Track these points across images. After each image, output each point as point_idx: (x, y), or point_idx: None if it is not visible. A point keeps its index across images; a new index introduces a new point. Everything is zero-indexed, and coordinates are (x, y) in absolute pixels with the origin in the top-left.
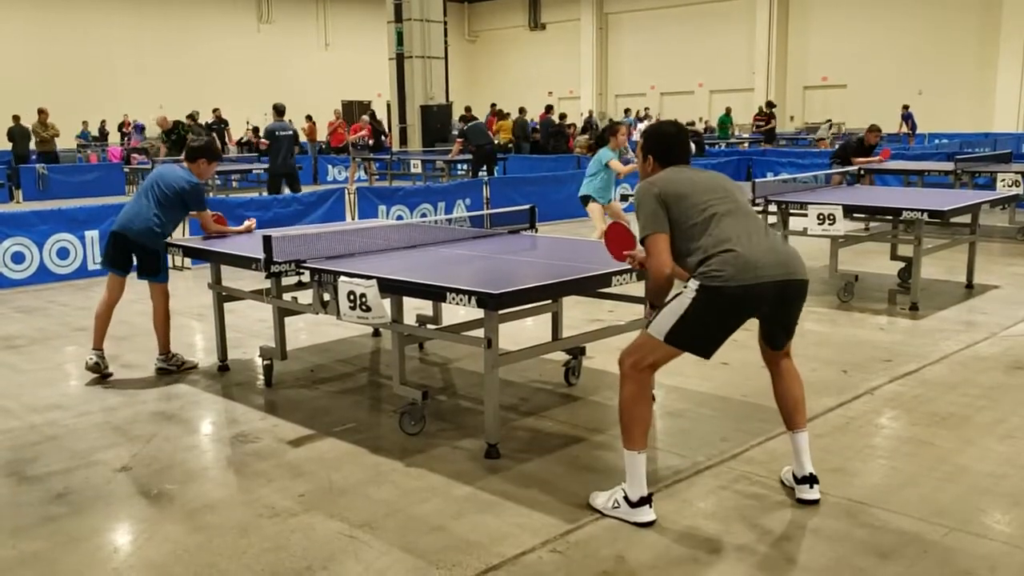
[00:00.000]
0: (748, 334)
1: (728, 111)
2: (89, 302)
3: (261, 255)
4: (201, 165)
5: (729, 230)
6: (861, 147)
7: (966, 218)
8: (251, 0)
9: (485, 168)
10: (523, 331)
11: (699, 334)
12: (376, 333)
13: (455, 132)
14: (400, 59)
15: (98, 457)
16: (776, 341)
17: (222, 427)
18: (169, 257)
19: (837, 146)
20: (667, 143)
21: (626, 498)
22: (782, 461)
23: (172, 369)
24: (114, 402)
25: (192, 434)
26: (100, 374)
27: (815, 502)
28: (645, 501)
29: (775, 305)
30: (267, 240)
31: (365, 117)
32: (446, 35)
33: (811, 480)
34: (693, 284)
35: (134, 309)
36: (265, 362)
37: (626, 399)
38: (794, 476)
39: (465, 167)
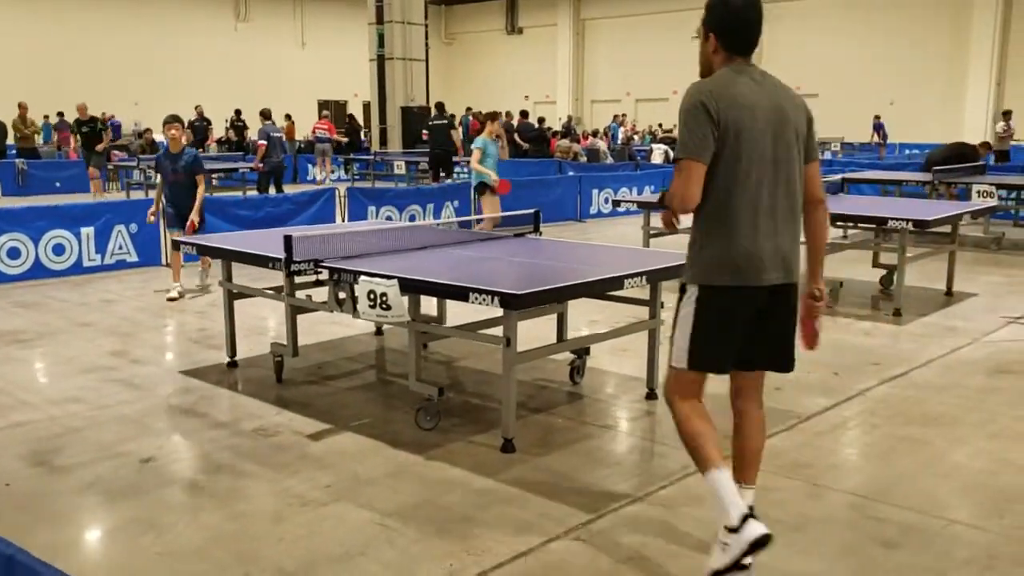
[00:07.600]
0: None
1: None
2: (86, 298)
3: (280, 255)
4: None
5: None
6: None
7: (945, 227)
8: None
9: (443, 171)
10: (526, 331)
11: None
12: (378, 332)
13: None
14: (381, 61)
15: (123, 448)
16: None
17: (240, 421)
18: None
19: None
20: (736, 20)
21: (728, 529)
22: (784, 457)
23: None
24: (129, 396)
25: (212, 428)
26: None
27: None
28: (746, 517)
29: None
30: (288, 240)
31: (326, 112)
32: (427, 38)
33: None
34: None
35: (133, 305)
36: (276, 358)
37: (677, 424)
38: None
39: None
